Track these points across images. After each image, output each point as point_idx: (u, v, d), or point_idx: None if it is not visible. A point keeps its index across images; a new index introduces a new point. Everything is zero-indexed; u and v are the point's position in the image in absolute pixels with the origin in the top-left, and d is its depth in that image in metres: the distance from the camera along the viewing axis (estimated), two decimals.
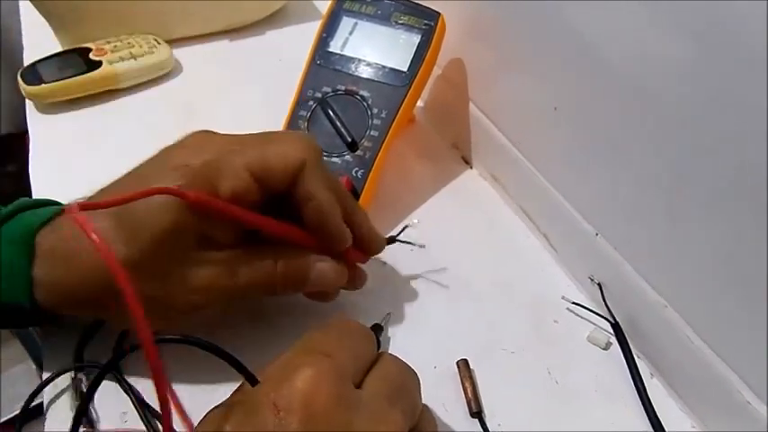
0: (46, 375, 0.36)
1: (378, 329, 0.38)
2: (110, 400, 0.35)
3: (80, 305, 0.32)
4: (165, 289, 0.32)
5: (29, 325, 0.36)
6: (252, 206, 0.32)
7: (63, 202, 0.36)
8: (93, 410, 0.35)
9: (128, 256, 0.30)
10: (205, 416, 0.26)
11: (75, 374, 0.35)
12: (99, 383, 0.28)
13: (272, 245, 0.34)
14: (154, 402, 0.35)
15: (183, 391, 0.35)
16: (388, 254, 0.44)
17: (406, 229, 0.41)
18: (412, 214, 0.47)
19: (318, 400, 0.24)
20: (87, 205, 0.27)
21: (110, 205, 0.28)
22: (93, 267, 0.30)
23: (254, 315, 0.39)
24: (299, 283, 0.35)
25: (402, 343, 0.39)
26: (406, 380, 0.29)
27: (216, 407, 0.27)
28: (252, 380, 0.26)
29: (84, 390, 0.35)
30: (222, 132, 0.34)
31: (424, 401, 0.30)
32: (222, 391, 0.27)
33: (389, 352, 0.32)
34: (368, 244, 0.37)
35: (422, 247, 0.42)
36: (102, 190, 0.33)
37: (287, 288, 0.35)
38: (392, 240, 0.40)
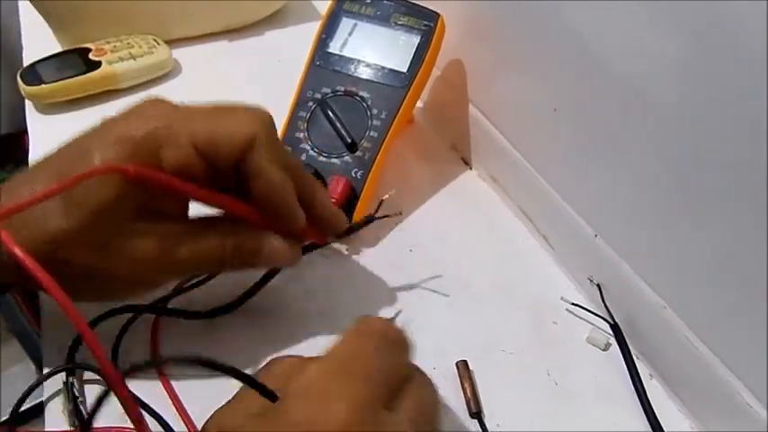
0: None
1: None
2: (108, 401, 0.35)
3: (18, 282, 0.31)
4: (106, 260, 0.31)
5: None
6: (199, 179, 0.31)
7: None
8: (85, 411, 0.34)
9: (66, 228, 0.29)
10: (212, 417, 0.26)
11: (68, 377, 0.35)
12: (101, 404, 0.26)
13: (223, 220, 0.33)
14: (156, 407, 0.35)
15: (193, 406, 0.35)
16: (387, 255, 0.44)
17: (382, 205, 0.39)
18: (411, 215, 0.47)
19: None
20: (17, 207, 0.26)
21: (42, 199, 0.26)
22: (26, 239, 0.28)
23: (264, 336, 0.39)
24: (248, 261, 0.34)
25: None
26: (434, 408, 0.28)
27: (225, 410, 0.26)
28: (272, 397, 0.24)
29: (77, 393, 0.35)
30: (175, 102, 0.33)
31: None
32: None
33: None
34: (327, 223, 0.36)
35: (399, 214, 0.40)
36: (44, 160, 0.32)
37: (235, 265, 0.34)
38: (370, 219, 0.39)
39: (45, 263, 0.26)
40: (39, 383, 0.36)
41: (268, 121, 0.32)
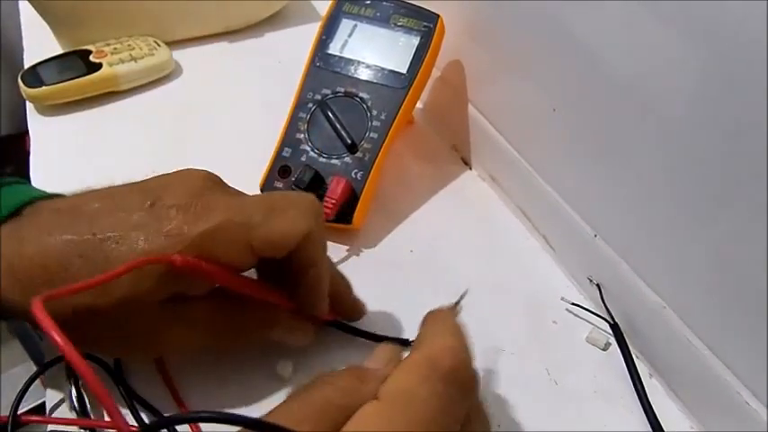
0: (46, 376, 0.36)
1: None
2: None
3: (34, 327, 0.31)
4: (129, 338, 0.31)
5: None
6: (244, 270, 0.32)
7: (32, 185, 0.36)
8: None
9: (92, 306, 0.28)
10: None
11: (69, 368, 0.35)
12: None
13: (241, 299, 0.33)
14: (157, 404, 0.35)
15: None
16: (388, 255, 0.44)
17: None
18: (411, 215, 0.47)
19: None
20: (56, 294, 0.24)
21: (85, 288, 0.25)
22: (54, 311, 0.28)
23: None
24: (263, 338, 0.35)
25: None
26: None
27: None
28: None
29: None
30: (217, 179, 0.33)
31: None
32: None
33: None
34: (348, 313, 0.38)
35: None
36: (85, 215, 0.30)
37: (250, 341, 0.35)
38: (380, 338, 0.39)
39: (67, 327, 0.26)
40: (42, 372, 0.36)
41: (318, 212, 0.33)
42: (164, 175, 0.32)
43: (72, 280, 0.28)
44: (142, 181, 0.32)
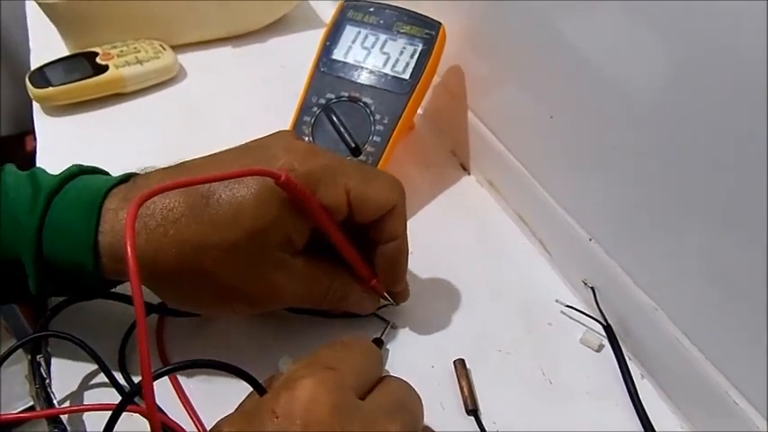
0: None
1: (379, 343, 0.39)
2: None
3: (148, 278, 0.32)
4: (242, 280, 0.33)
5: (86, 291, 0.36)
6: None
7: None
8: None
9: (221, 242, 0.31)
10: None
11: (33, 355, 0.35)
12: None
13: (330, 264, 0.36)
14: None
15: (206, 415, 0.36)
16: None
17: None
18: (411, 219, 0.48)
19: (316, 408, 0.24)
20: (172, 185, 0.27)
21: (207, 181, 0.29)
22: (171, 242, 0.30)
23: (264, 334, 0.40)
24: (338, 304, 0.37)
25: (402, 343, 0.40)
26: (408, 398, 0.30)
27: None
28: (261, 391, 0.27)
29: (44, 373, 0.35)
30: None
31: (423, 401, 0.31)
32: None
33: (393, 361, 0.33)
34: (396, 292, 0.40)
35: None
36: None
37: (329, 305, 0.37)
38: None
39: (185, 268, 0.30)
40: (24, 343, 0.37)
41: (403, 191, 0.36)
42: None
43: (199, 218, 0.31)
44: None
